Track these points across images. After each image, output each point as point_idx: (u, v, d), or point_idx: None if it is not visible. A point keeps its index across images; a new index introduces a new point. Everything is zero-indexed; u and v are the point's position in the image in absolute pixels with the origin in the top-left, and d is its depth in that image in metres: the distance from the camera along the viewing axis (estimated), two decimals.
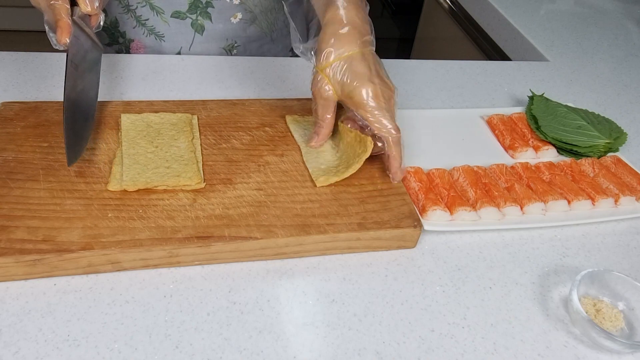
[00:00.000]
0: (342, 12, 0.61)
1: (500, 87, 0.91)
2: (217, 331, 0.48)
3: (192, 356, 0.46)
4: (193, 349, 0.47)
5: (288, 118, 0.70)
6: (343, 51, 0.61)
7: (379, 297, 0.53)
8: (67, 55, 0.58)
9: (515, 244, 0.62)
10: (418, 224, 0.57)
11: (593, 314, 0.53)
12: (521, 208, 0.64)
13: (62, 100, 0.57)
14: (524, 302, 0.55)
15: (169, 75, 0.81)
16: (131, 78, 0.79)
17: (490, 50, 1.24)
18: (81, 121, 0.61)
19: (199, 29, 0.87)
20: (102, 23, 0.64)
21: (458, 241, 0.61)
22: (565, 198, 0.65)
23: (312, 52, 0.63)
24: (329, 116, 0.64)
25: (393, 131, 0.61)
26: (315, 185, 0.60)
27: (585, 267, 0.58)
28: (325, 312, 0.51)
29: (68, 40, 0.58)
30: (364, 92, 0.60)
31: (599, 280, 0.55)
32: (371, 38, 0.63)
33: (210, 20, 0.86)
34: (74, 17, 0.60)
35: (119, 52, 0.90)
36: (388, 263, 0.57)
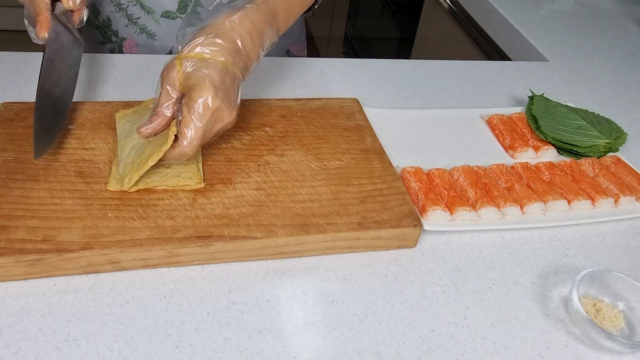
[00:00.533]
0: (232, 21, 0.58)
1: (500, 87, 0.91)
2: (217, 331, 0.48)
3: (192, 356, 0.46)
4: (193, 349, 0.47)
5: (117, 115, 0.65)
6: (207, 52, 0.57)
7: (379, 297, 0.53)
8: (44, 50, 0.58)
9: (515, 244, 0.62)
10: (418, 224, 0.57)
11: (593, 314, 0.53)
12: (521, 208, 0.64)
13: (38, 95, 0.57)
14: (524, 302, 0.55)
15: None
16: (131, 78, 0.79)
17: (490, 50, 1.24)
18: (53, 115, 0.59)
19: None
20: (85, 19, 0.64)
21: (458, 241, 0.61)
22: (565, 198, 0.65)
23: (181, 35, 0.59)
24: (168, 102, 0.57)
25: (186, 145, 0.55)
26: (122, 189, 0.56)
27: (585, 267, 0.58)
28: (325, 312, 0.51)
29: (47, 35, 0.58)
30: (201, 90, 0.55)
31: (599, 280, 0.55)
32: (249, 68, 0.60)
33: (200, 20, 0.86)
34: (55, 12, 0.60)
35: (112, 50, 0.90)
36: (388, 263, 0.57)
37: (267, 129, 0.68)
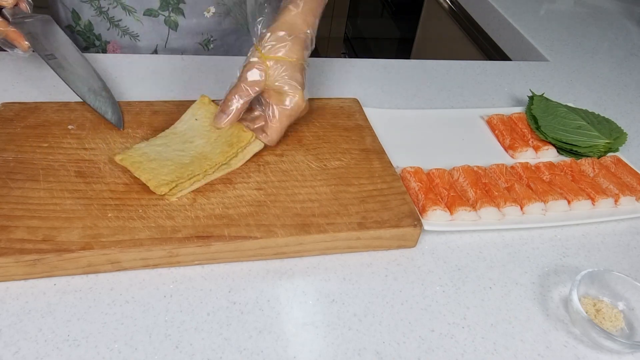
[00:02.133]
0: (301, 16, 0.63)
1: (500, 87, 0.91)
2: (217, 331, 0.48)
3: (192, 356, 0.46)
4: (193, 349, 0.47)
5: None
6: (292, 55, 0.62)
7: (379, 297, 0.53)
8: (38, 53, 0.60)
9: (515, 244, 0.62)
10: (418, 224, 0.57)
11: (593, 314, 0.53)
12: (521, 208, 0.64)
13: (77, 95, 0.61)
14: (524, 302, 0.55)
15: (168, 75, 0.81)
16: (131, 78, 0.79)
17: (490, 50, 1.24)
18: (98, 91, 0.63)
19: (173, 26, 0.87)
20: (31, 2, 0.65)
21: (458, 241, 0.61)
22: (565, 198, 0.65)
23: (258, 35, 0.63)
24: (246, 99, 0.62)
25: (269, 142, 0.63)
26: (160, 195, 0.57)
27: (585, 267, 0.58)
28: (325, 312, 0.51)
29: (27, 43, 0.59)
30: (293, 95, 0.62)
31: (599, 280, 0.55)
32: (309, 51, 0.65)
33: (183, 15, 0.86)
34: (11, 20, 0.61)
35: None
36: (388, 263, 0.57)
37: None
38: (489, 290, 0.56)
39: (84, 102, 0.68)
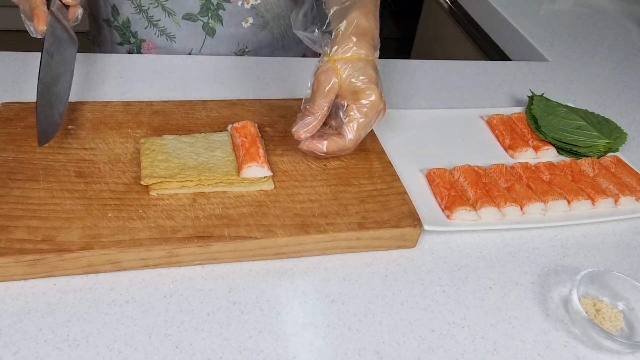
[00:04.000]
0: (363, 17, 0.62)
1: (500, 87, 0.91)
2: (217, 331, 0.48)
3: (192, 356, 0.46)
4: (193, 349, 0.47)
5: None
6: (362, 53, 0.61)
7: (378, 297, 0.53)
8: (43, 44, 0.59)
9: (515, 243, 0.62)
10: (418, 224, 0.57)
11: (593, 314, 0.53)
12: (521, 208, 0.64)
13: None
14: (524, 302, 0.55)
15: (168, 75, 0.81)
16: (131, 78, 0.79)
17: (490, 50, 1.24)
18: (52, 107, 0.60)
19: (210, 32, 0.87)
20: (79, 17, 0.65)
21: (458, 241, 0.61)
22: (565, 198, 0.65)
23: (326, 41, 0.62)
24: (327, 105, 0.61)
25: (349, 142, 0.61)
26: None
27: (585, 267, 0.58)
28: (325, 312, 0.51)
29: (45, 28, 0.58)
30: (369, 92, 0.60)
31: (599, 280, 0.55)
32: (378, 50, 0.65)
33: (222, 23, 0.87)
34: (52, 8, 0.60)
35: (130, 51, 0.90)
36: (388, 263, 0.57)
37: (267, 129, 0.68)
38: (488, 290, 0.56)
39: (84, 102, 0.68)
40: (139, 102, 0.70)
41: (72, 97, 0.67)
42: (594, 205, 0.66)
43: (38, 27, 0.58)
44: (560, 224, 0.64)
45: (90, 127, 0.64)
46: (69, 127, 0.64)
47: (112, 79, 0.78)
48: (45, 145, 0.61)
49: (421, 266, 0.57)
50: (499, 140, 0.77)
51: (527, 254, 0.60)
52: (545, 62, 1.03)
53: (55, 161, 0.59)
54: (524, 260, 0.60)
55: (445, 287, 0.55)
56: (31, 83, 0.75)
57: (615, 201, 0.67)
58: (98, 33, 0.93)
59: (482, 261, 0.59)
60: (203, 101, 0.72)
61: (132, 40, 0.89)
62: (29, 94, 0.73)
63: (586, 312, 0.51)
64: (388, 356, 0.48)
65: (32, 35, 0.59)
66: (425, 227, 0.59)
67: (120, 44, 0.91)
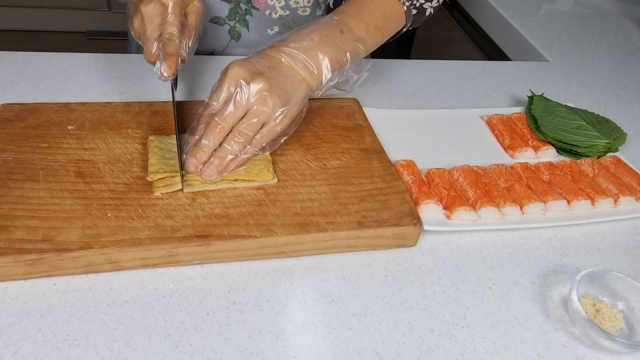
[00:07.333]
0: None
1: (500, 87, 0.91)
2: (216, 331, 0.48)
3: (191, 356, 0.46)
4: (193, 349, 0.47)
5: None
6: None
7: (378, 297, 0.53)
8: (173, 87, 0.63)
9: (515, 244, 0.62)
10: (418, 222, 0.57)
11: (592, 314, 0.53)
12: (521, 208, 0.64)
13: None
14: (524, 302, 0.55)
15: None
16: (131, 78, 0.79)
17: (490, 50, 1.24)
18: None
19: (236, 36, 0.88)
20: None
21: (458, 241, 0.61)
22: (565, 198, 0.65)
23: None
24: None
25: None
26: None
27: (584, 267, 0.58)
28: (324, 312, 0.51)
29: (172, 72, 0.59)
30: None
31: (599, 280, 0.55)
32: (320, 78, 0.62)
33: (247, 28, 0.87)
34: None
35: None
36: (388, 263, 0.57)
37: None
38: (488, 290, 0.56)
39: (84, 102, 0.68)
40: (139, 102, 0.70)
41: (72, 98, 0.67)
42: (593, 205, 0.66)
43: (168, 69, 0.59)
44: (560, 224, 0.64)
45: (90, 127, 0.64)
46: (69, 127, 0.64)
47: (112, 79, 0.78)
48: (45, 145, 0.61)
49: (421, 266, 0.57)
50: (498, 140, 0.77)
51: (527, 254, 0.60)
52: (545, 62, 1.03)
53: (55, 161, 0.59)
54: (523, 260, 0.60)
55: (445, 287, 0.55)
56: (31, 83, 0.75)
57: (615, 201, 0.67)
58: None
59: (481, 261, 0.59)
60: (203, 101, 0.72)
61: None
62: (29, 94, 0.73)
63: (586, 312, 0.51)
64: (388, 356, 0.48)
65: (157, 76, 0.60)
66: (425, 227, 0.59)
67: None
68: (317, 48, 0.62)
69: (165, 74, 0.58)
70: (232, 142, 0.58)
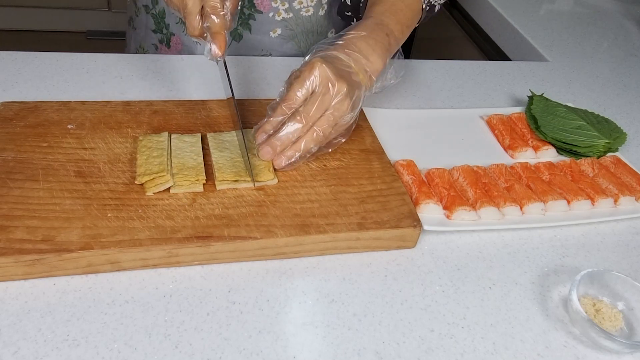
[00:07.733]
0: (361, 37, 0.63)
1: (500, 87, 0.91)
2: (216, 331, 0.48)
3: (191, 356, 0.46)
4: (192, 349, 0.47)
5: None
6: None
7: (378, 297, 0.53)
8: (224, 66, 0.61)
9: (515, 243, 0.62)
10: (418, 224, 0.57)
11: (592, 314, 0.53)
12: (521, 208, 0.64)
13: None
14: (524, 302, 0.55)
15: (168, 75, 0.81)
16: (131, 78, 0.79)
17: (490, 50, 1.24)
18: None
19: (237, 38, 0.88)
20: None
21: (458, 241, 0.61)
22: (565, 198, 0.65)
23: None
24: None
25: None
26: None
27: (584, 267, 0.58)
28: (324, 312, 0.51)
29: (222, 52, 0.59)
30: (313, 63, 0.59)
31: (599, 280, 0.55)
32: (362, 75, 0.62)
33: (250, 31, 0.87)
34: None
35: (161, 41, 0.91)
36: (388, 263, 0.57)
37: None
38: (488, 290, 0.56)
39: (84, 102, 0.68)
40: (139, 102, 0.70)
41: (72, 97, 0.67)
42: (593, 205, 0.66)
43: (218, 49, 0.58)
44: (560, 224, 0.64)
45: (90, 126, 0.64)
46: (69, 126, 0.64)
47: (112, 79, 0.78)
48: (45, 145, 0.61)
49: (421, 266, 0.57)
50: (498, 140, 0.77)
51: (527, 254, 0.60)
52: (545, 62, 1.03)
53: (55, 161, 0.59)
54: (523, 260, 0.60)
55: (444, 287, 0.55)
56: (31, 83, 0.75)
57: (615, 201, 0.67)
58: (136, 16, 0.94)
59: (481, 261, 0.59)
60: (203, 101, 0.72)
61: (165, 31, 0.90)
62: (29, 94, 0.73)
63: (586, 312, 0.51)
64: (388, 356, 0.48)
65: (207, 57, 0.59)
66: (425, 227, 0.59)
67: (154, 31, 0.92)
68: (373, 53, 0.63)
69: (217, 53, 0.58)
70: (310, 139, 0.59)
